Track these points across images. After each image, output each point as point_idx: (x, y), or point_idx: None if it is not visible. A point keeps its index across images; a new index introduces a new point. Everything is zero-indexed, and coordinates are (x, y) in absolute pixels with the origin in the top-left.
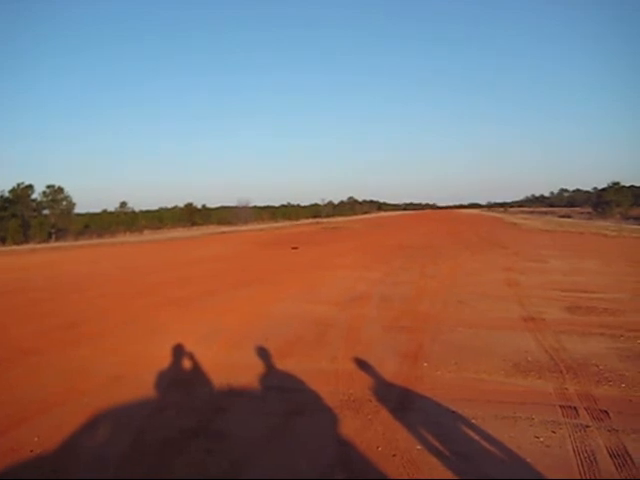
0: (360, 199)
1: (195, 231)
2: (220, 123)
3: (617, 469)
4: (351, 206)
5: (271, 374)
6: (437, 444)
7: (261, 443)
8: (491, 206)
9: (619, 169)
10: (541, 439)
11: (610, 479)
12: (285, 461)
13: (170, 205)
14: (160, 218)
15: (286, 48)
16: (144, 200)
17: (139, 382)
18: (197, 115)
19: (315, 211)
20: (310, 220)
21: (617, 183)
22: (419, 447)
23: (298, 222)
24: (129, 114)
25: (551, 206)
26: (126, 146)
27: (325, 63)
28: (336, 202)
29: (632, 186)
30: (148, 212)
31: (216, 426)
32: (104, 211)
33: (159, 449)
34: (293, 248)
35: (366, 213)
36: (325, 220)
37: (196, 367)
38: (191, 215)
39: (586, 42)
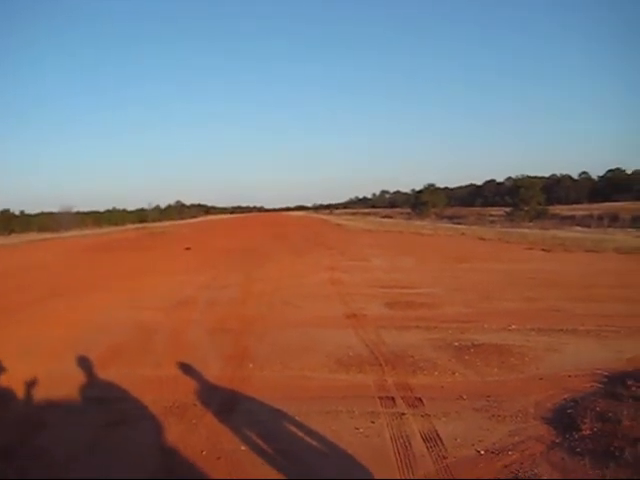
0: (188, 203)
1: (13, 239)
2: (40, 123)
3: (429, 451)
4: (179, 210)
5: (92, 384)
6: (261, 443)
7: (81, 456)
8: (317, 208)
9: (434, 172)
10: (361, 430)
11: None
12: (106, 471)
13: None
14: None
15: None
16: None
17: None
18: (11, 113)
19: (142, 216)
20: (136, 225)
21: (432, 185)
22: (244, 448)
23: (124, 227)
24: None
25: (374, 207)
26: None
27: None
28: (163, 206)
29: (446, 187)
30: None
31: (33, 442)
32: None
33: None
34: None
35: (194, 217)
36: (152, 225)
37: (12, 382)
38: (8, 222)
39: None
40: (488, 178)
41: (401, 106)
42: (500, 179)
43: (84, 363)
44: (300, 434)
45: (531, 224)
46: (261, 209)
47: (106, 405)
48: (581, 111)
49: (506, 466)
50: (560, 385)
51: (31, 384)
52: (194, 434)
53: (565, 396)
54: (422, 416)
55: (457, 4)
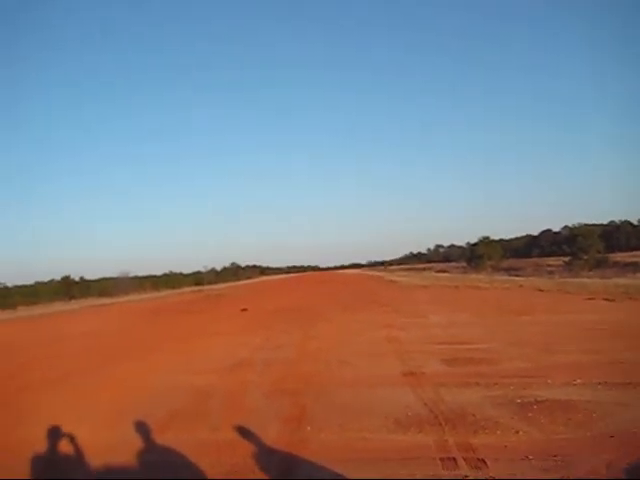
0: (243, 264)
1: (73, 305)
2: (95, 192)
3: None
4: (234, 272)
5: (150, 450)
6: None
7: None
8: (372, 265)
9: (489, 224)
10: None
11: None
12: None
13: (46, 279)
14: (36, 293)
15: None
16: (17, 275)
17: (7, 472)
18: (69, 185)
19: (198, 279)
20: (193, 288)
21: (487, 237)
22: None
23: (181, 290)
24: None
25: (428, 262)
26: None
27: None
28: (219, 268)
29: (501, 239)
30: (22, 287)
31: None
32: None
33: None
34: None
35: (249, 278)
36: (208, 287)
37: (71, 450)
38: (69, 288)
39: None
40: (544, 228)
41: (452, 158)
42: (556, 228)
43: (141, 428)
44: None
45: (591, 273)
46: (315, 268)
47: (164, 469)
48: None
49: None
50: (633, 443)
51: (90, 451)
52: None
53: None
54: (486, 479)
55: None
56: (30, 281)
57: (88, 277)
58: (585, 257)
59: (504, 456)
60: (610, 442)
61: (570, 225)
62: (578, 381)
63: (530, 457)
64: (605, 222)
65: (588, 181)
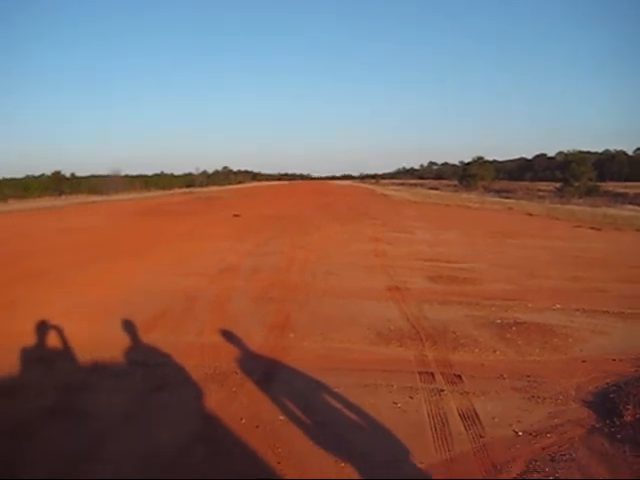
0: (235, 169)
1: (63, 200)
2: (91, 89)
3: (466, 429)
4: (226, 176)
5: (136, 349)
6: (300, 414)
7: (122, 420)
8: (363, 177)
9: (484, 144)
10: (399, 404)
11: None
12: (146, 436)
13: (37, 173)
14: (26, 187)
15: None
16: (8, 168)
17: None
18: (68, 80)
19: (189, 180)
20: (184, 190)
21: (481, 158)
22: (282, 418)
23: (172, 192)
24: None
25: (421, 178)
26: None
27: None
28: (210, 171)
29: (495, 161)
30: (12, 180)
31: (77, 404)
32: None
33: (12, 432)
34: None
35: (241, 183)
36: (199, 190)
37: (57, 343)
38: (59, 184)
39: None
40: (538, 152)
41: (451, 76)
42: (551, 153)
43: (127, 327)
44: (338, 406)
45: (581, 201)
46: (307, 177)
47: (148, 369)
48: (636, 85)
49: (544, 448)
50: (604, 369)
51: (76, 346)
52: (234, 402)
53: (608, 380)
54: (461, 394)
55: None
56: (20, 175)
57: (79, 174)
58: (576, 184)
59: (480, 374)
60: (582, 367)
61: (565, 151)
62: (558, 306)
63: (505, 376)
64: (600, 150)
65: (586, 108)
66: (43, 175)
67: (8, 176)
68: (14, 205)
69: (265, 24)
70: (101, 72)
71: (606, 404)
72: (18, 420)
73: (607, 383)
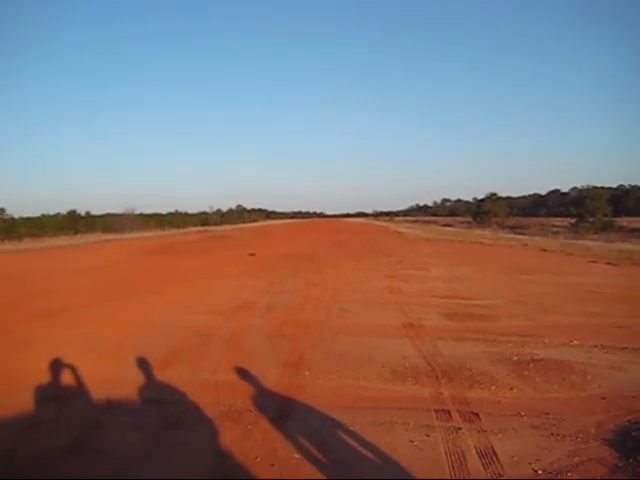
0: (249, 207)
1: (79, 239)
2: (103, 125)
3: (484, 467)
4: (240, 214)
5: (150, 386)
6: (315, 452)
7: (138, 457)
8: (377, 215)
9: (497, 181)
10: (415, 443)
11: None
12: (162, 473)
13: (52, 212)
14: (41, 226)
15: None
16: (24, 207)
17: (10, 397)
18: (82, 120)
19: (203, 219)
20: (198, 228)
21: (494, 194)
22: (297, 456)
23: (186, 230)
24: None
25: (434, 215)
26: (3, 149)
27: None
28: (224, 210)
29: (508, 197)
30: (29, 219)
31: (92, 442)
32: None
33: (29, 468)
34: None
35: (255, 221)
36: (213, 228)
37: (72, 381)
38: (74, 222)
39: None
40: (552, 188)
41: (464, 113)
42: (565, 189)
43: (142, 365)
44: (354, 444)
45: (596, 236)
46: (321, 215)
47: (163, 407)
48: None
49: None
50: (624, 406)
51: (90, 384)
52: (249, 440)
53: (629, 418)
54: (478, 431)
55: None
56: (36, 214)
57: (94, 212)
58: (591, 220)
59: (497, 411)
60: (601, 404)
61: (579, 187)
62: (575, 342)
63: (522, 413)
64: (614, 186)
65: (600, 144)
66: (59, 214)
67: (24, 215)
68: (29, 244)
69: (276, 55)
70: (115, 110)
71: (628, 442)
72: (35, 456)
73: (628, 421)
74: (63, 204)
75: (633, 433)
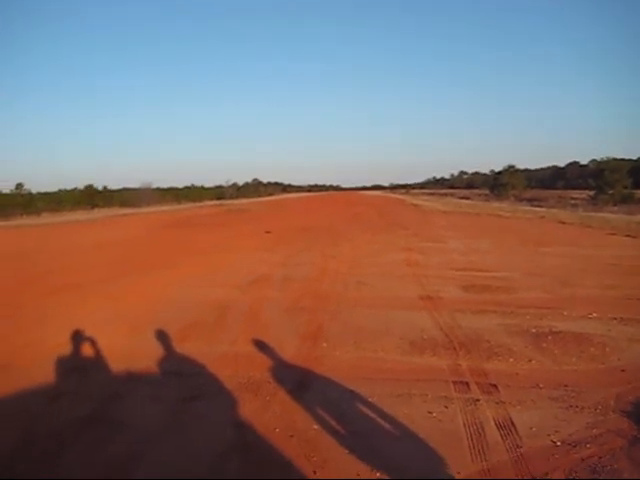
0: (265, 181)
1: (96, 214)
2: (122, 103)
3: (503, 439)
4: (256, 188)
5: (169, 359)
6: (334, 423)
7: (158, 429)
8: (394, 188)
9: (515, 153)
10: (434, 414)
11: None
12: (182, 445)
13: (69, 187)
14: (59, 200)
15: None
16: (42, 181)
17: (30, 371)
18: (99, 96)
19: (219, 193)
20: (214, 202)
21: (512, 166)
22: (316, 427)
23: (202, 204)
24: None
25: (451, 188)
26: (22, 125)
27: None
28: (241, 184)
29: (526, 169)
30: (46, 194)
31: (111, 413)
32: None
33: (50, 439)
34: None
35: (271, 195)
36: (229, 202)
37: (93, 353)
38: (92, 197)
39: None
40: (571, 160)
41: (482, 85)
42: (584, 161)
43: (160, 338)
44: (372, 416)
45: (615, 208)
46: (337, 188)
47: (183, 379)
48: None
49: (583, 459)
50: None
51: (110, 357)
52: (268, 411)
53: None
54: (496, 403)
55: None
56: (54, 189)
57: (111, 187)
58: (610, 192)
59: (515, 383)
60: (621, 376)
61: (598, 159)
62: (594, 315)
63: (541, 385)
64: (635, 157)
65: (620, 115)
66: (76, 189)
67: (42, 190)
68: (47, 218)
69: (297, 35)
70: (132, 89)
71: None
72: (57, 427)
73: None
74: (81, 179)
75: None
